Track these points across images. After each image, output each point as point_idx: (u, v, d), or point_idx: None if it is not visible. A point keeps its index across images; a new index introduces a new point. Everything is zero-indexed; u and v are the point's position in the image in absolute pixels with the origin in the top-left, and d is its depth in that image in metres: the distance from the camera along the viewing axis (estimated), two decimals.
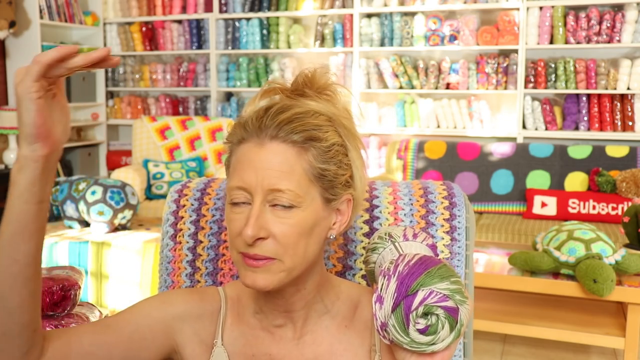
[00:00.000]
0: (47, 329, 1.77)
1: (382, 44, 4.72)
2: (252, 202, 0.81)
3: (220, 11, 5.13)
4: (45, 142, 0.74)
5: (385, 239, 0.90)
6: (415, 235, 0.90)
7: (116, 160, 5.39)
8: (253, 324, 0.91)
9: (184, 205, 1.13)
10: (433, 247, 0.92)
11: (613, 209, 3.67)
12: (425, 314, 0.76)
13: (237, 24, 5.10)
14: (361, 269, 1.07)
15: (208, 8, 5.17)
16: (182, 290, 0.96)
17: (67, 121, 0.78)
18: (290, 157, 0.81)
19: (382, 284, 0.78)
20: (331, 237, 0.87)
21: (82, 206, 3.13)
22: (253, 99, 0.89)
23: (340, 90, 0.93)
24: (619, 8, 4.22)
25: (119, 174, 4.06)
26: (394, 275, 0.78)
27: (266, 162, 0.81)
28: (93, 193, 3.11)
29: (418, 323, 0.76)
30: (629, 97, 4.22)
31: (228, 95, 5.34)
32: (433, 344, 0.77)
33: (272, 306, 0.89)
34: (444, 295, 0.76)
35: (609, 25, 4.16)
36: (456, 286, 0.77)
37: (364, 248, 1.07)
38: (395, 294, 0.77)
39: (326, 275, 0.92)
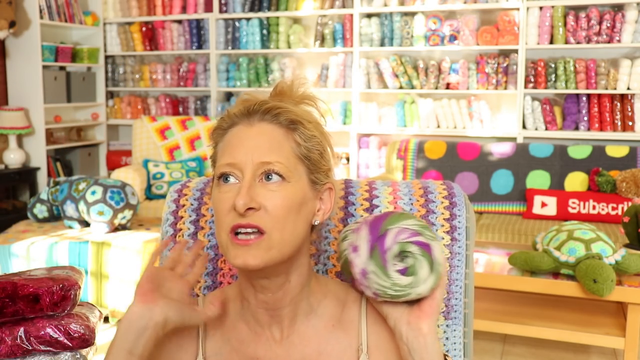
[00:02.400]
0: (48, 329, 1.77)
1: (382, 44, 4.72)
2: (241, 179, 0.83)
3: (220, 11, 5.13)
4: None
5: (351, 226, 0.91)
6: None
7: (116, 160, 5.39)
8: (239, 328, 0.91)
9: (183, 205, 1.13)
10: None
11: (613, 209, 3.67)
12: (402, 254, 0.78)
13: (237, 24, 5.10)
14: None
15: (208, 8, 5.17)
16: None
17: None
18: (278, 136, 0.86)
19: (355, 237, 0.81)
20: (315, 223, 0.89)
21: (82, 206, 3.13)
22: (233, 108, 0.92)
23: (317, 98, 0.96)
24: (619, 8, 4.22)
25: (119, 174, 4.06)
26: (364, 224, 0.81)
27: (256, 139, 0.84)
28: (93, 193, 3.11)
29: (396, 265, 0.78)
30: (629, 97, 4.22)
31: (228, 95, 5.34)
32: (415, 286, 0.78)
33: (257, 303, 0.88)
34: (414, 231, 0.78)
35: (609, 25, 4.16)
36: (424, 223, 0.81)
37: None
38: (369, 237, 0.79)
39: (312, 273, 0.92)
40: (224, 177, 0.84)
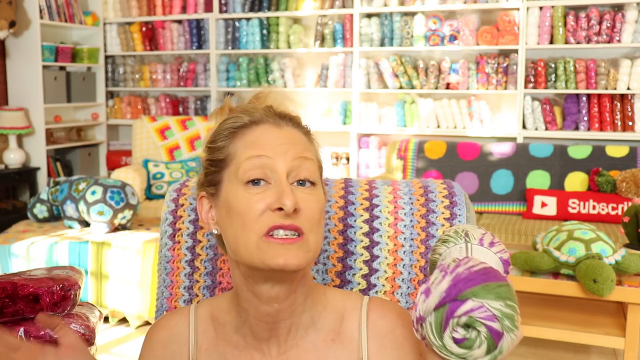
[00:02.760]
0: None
1: (382, 44, 4.71)
2: (272, 181, 0.80)
3: (220, 11, 5.13)
4: None
5: (461, 235, 0.84)
6: (492, 244, 0.83)
7: (116, 160, 5.39)
8: (235, 341, 0.87)
9: (182, 205, 1.13)
10: (506, 262, 0.84)
11: (613, 209, 3.67)
12: (467, 326, 0.70)
13: (237, 24, 5.10)
14: (361, 269, 1.06)
15: (208, 8, 5.17)
16: (147, 353, 0.92)
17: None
18: (305, 140, 0.86)
19: (436, 278, 0.73)
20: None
21: (82, 206, 3.13)
22: (221, 108, 0.91)
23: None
24: (619, 8, 4.22)
25: (119, 174, 4.06)
26: (451, 274, 0.72)
27: (288, 138, 0.83)
28: (93, 193, 3.11)
29: (456, 332, 0.71)
30: (629, 97, 4.22)
31: (229, 95, 5.33)
32: (464, 358, 0.71)
33: (259, 316, 0.84)
34: (493, 314, 0.69)
35: (609, 25, 4.15)
36: (510, 311, 0.70)
37: (364, 248, 1.07)
38: (444, 294, 0.71)
39: (313, 283, 0.89)
40: (253, 180, 0.80)
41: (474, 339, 0.70)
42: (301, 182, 0.81)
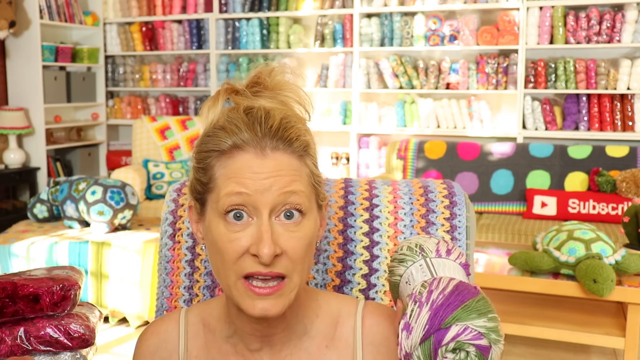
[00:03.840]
0: (48, 329, 1.77)
1: (382, 44, 4.71)
2: (254, 216, 0.74)
3: (220, 11, 5.13)
4: None
5: (416, 252, 0.82)
6: (448, 252, 0.83)
7: (116, 160, 5.39)
8: (225, 350, 0.85)
9: (182, 205, 1.13)
10: (466, 266, 0.84)
11: (613, 209, 3.67)
12: (455, 349, 0.71)
13: (237, 24, 5.10)
14: (361, 269, 1.06)
15: (208, 8, 5.17)
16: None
17: None
18: (295, 164, 0.76)
19: (413, 311, 0.72)
20: (318, 245, 0.83)
21: (82, 206, 3.13)
22: (214, 100, 0.81)
23: (295, 87, 0.84)
24: (619, 8, 4.22)
25: (119, 174, 4.06)
26: (427, 304, 0.71)
27: (274, 171, 0.74)
28: (93, 193, 3.11)
29: (446, 358, 0.71)
30: (629, 97, 4.22)
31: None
32: None
33: (250, 330, 0.82)
34: (479, 333, 0.70)
35: (609, 25, 4.15)
36: (493, 324, 0.71)
37: (364, 247, 1.07)
38: (427, 326, 0.70)
39: (304, 289, 0.84)
40: (235, 212, 0.73)
41: (465, 359, 0.70)
42: (288, 215, 0.74)
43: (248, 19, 5.07)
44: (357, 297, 0.96)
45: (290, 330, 0.83)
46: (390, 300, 1.04)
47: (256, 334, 0.82)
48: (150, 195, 4.20)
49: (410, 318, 0.72)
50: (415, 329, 0.71)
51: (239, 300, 0.75)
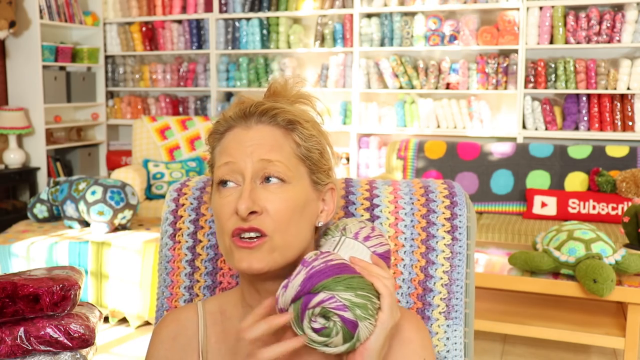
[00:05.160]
0: (48, 329, 1.77)
1: (382, 44, 4.72)
2: (240, 183, 0.83)
3: (220, 11, 5.13)
4: None
5: (338, 228, 0.89)
6: (366, 238, 0.87)
7: (116, 160, 5.39)
8: (243, 335, 0.89)
9: (183, 204, 1.13)
10: (384, 256, 0.88)
11: (613, 209, 3.67)
12: (325, 317, 0.76)
13: (237, 24, 5.10)
14: None
15: (208, 8, 5.17)
16: (156, 346, 0.93)
17: None
18: (278, 136, 0.85)
19: (295, 271, 0.78)
20: (319, 224, 0.89)
21: (82, 206, 3.13)
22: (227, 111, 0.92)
23: (313, 97, 0.94)
24: (619, 8, 4.22)
25: (119, 174, 4.06)
26: (306, 268, 0.78)
27: (256, 139, 0.84)
28: (93, 193, 3.11)
29: (315, 321, 0.76)
30: (629, 97, 4.22)
31: (228, 95, 5.34)
32: (326, 345, 0.76)
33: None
34: (343, 304, 0.75)
35: (609, 25, 4.15)
36: (361, 300, 0.76)
37: None
38: (299, 287, 0.76)
39: None
40: (223, 182, 0.84)
41: (331, 328, 0.75)
42: (268, 179, 0.83)
43: (248, 19, 5.07)
44: None
45: None
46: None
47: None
48: (150, 195, 4.20)
49: (291, 277, 0.78)
50: (290, 287, 0.77)
51: (232, 258, 0.83)
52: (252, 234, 0.81)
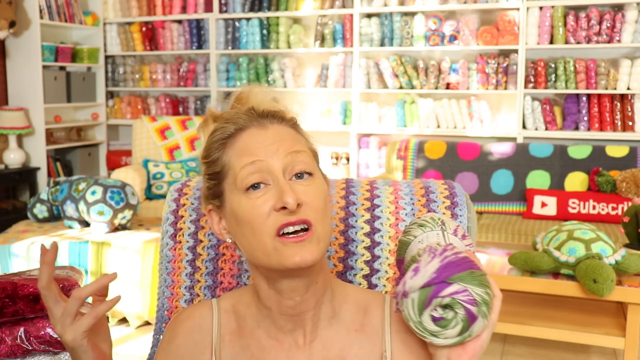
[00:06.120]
0: (48, 329, 1.77)
1: (382, 44, 4.72)
2: (271, 182, 0.82)
3: (220, 11, 5.13)
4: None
5: (438, 223, 0.88)
6: (464, 237, 0.88)
7: (116, 160, 5.39)
8: (258, 336, 0.89)
9: (184, 204, 1.13)
10: (472, 255, 0.90)
11: (613, 209, 3.67)
12: (446, 307, 0.75)
13: (237, 24, 5.10)
14: (362, 269, 1.06)
15: (208, 8, 5.17)
16: (169, 341, 0.94)
17: (108, 335, 0.91)
18: (293, 133, 0.87)
19: (425, 259, 0.77)
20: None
21: (82, 206, 3.13)
22: (204, 122, 0.93)
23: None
24: (619, 8, 4.22)
25: (119, 174, 4.06)
26: (440, 256, 0.77)
27: (276, 137, 0.84)
28: (93, 193, 3.11)
29: (436, 310, 0.76)
30: (629, 97, 4.22)
31: (228, 96, 5.34)
32: (435, 336, 0.76)
33: (281, 309, 0.86)
34: (474, 299, 0.75)
35: (609, 25, 4.16)
36: (488, 299, 0.76)
37: (365, 248, 1.07)
38: (435, 274, 0.75)
39: (332, 276, 0.90)
40: (253, 185, 0.82)
41: (451, 319, 0.75)
42: (299, 176, 0.83)
43: (248, 19, 5.07)
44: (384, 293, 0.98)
45: (320, 310, 0.87)
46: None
47: (288, 312, 0.86)
48: (150, 195, 4.20)
49: (421, 263, 0.77)
50: (422, 273, 0.76)
51: (280, 256, 0.80)
52: (298, 228, 0.80)
